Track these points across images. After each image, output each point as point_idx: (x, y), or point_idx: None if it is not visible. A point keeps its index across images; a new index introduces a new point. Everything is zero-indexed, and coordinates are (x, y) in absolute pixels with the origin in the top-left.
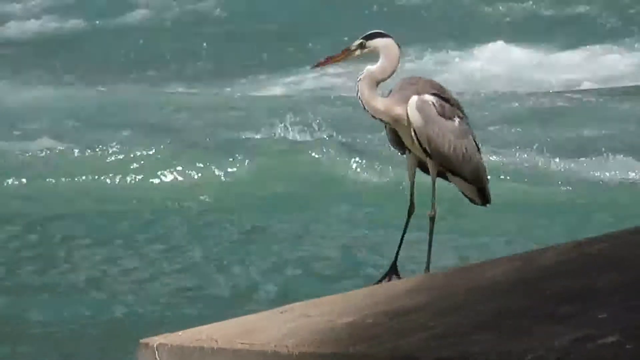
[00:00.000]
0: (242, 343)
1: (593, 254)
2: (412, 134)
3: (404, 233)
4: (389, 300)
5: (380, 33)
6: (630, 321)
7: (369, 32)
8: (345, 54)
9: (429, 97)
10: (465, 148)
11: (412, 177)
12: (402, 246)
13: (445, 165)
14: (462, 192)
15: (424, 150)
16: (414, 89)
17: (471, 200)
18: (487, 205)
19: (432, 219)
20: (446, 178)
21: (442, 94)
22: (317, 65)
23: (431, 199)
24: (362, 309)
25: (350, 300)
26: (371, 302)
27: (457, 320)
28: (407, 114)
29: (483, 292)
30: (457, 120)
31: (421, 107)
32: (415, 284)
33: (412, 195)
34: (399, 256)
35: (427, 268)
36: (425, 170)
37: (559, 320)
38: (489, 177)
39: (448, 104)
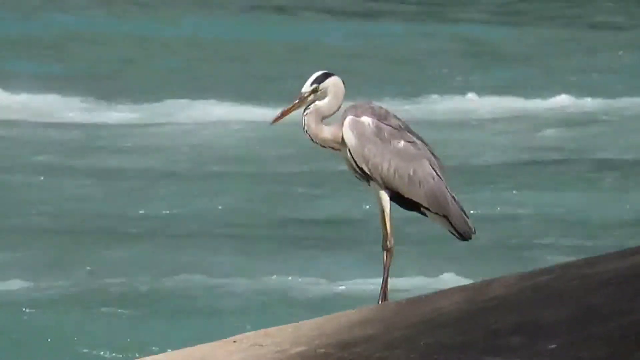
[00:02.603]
0: None
1: (540, 286)
2: (348, 154)
3: (385, 273)
4: (340, 331)
5: (328, 73)
6: (580, 351)
7: (317, 75)
8: (300, 102)
9: (365, 119)
10: (413, 171)
11: (379, 207)
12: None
13: (391, 188)
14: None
15: (363, 172)
16: (353, 112)
17: (453, 235)
18: (467, 240)
19: (387, 251)
20: (422, 213)
21: (383, 119)
22: (275, 121)
23: (382, 229)
24: (313, 339)
25: (302, 330)
26: (323, 332)
27: (406, 352)
28: (342, 134)
29: (432, 323)
30: (402, 142)
31: (354, 127)
32: (366, 315)
33: (385, 227)
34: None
35: (380, 300)
36: (400, 203)
37: (510, 352)
38: (463, 209)
39: (390, 127)
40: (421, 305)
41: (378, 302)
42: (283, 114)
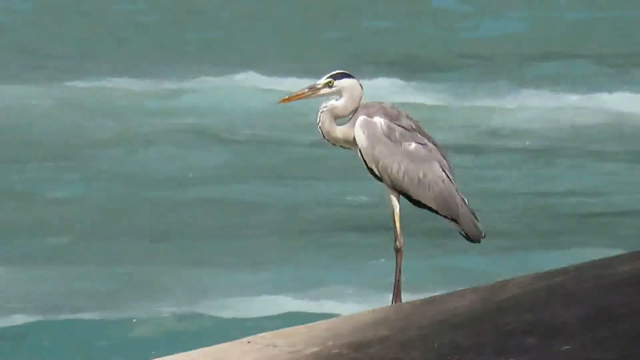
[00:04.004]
0: None
1: (554, 287)
2: (359, 154)
3: (397, 273)
4: (354, 332)
5: (346, 74)
6: (594, 352)
7: (336, 72)
8: (311, 92)
9: (377, 119)
10: (423, 173)
11: (391, 206)
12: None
13: (400, 190)
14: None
15: (372, 172)
16: (365, 112)
17: (463, 237)
18: (476, 242)
19: (397, 251)
20: (434, 212)
21: (395, 119)
22: (282, 101)
23: (394, 229)
24: (327, 340)
25: (316, 331)
26: (336, 333)
27: (420, 353)
28: (354, 134)
29: (446, 324)
30: (413, 144)
31: (365, 127)
32: (380, 316)
33: (395, 227)
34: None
35: (393, 301)
36: (411, 202)
37: (524, 352)
38: (473, 212)
39: (402, 128)
40: (435, 306)
41: (392, 302)
42: (290, 98)
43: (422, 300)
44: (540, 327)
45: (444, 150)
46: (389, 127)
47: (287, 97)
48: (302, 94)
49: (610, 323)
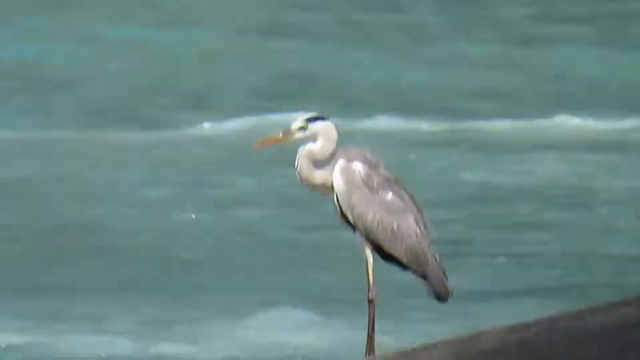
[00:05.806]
0: None
1: (529, 339)
2: (335, 199)
3: (369, 325)
4: None
5: (320, 117)
6: None
7: (310, 116)
8: (286, 136)
9: (356, 165)
10: (397, 225)
11: (364, 258)
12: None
13: (372, 240)
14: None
15: (346, 219)
16: (344, 155)
17: (429, 294)
18: (442, 301)
19: (370, 302)
20: (404, 267)
21: (374, 167)
22: (257, 147)
23: (366, 279)
24: None
25: None
26: None
27: None
28: (332, 180)
29: None
30: (390, 194)
31: (344, 172)
32: None
33: (367, 279)
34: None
35: (366, 353)
36: (382, 256)
37: None
38: (443, 270)
39: (380, 177)
40: (409, 359)
41: (365, 355)
42: (265, 142)
43: (395, 352)
44: None
45: (418, 203)
46: (367, 175)
47: (261, 140)
48: (276, 138)
49: None
